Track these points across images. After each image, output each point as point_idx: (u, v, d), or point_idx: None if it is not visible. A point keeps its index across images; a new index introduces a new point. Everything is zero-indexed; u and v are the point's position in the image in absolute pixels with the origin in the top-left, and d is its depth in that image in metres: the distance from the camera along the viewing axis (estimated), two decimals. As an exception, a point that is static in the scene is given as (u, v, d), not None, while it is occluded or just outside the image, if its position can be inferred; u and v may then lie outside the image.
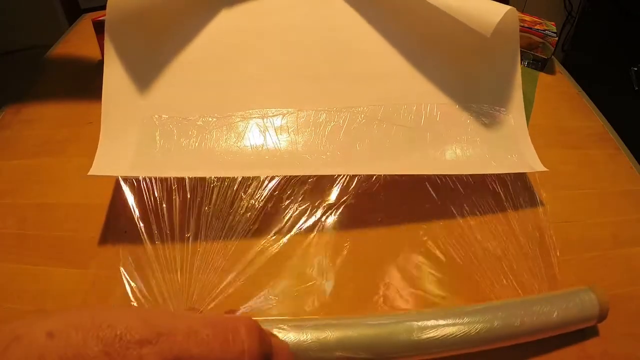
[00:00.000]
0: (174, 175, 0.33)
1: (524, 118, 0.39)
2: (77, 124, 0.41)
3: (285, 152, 0.36)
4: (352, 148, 0.37)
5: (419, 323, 0.26)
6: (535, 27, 0.53)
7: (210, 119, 0.37)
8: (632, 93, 1.10)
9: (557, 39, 0.53)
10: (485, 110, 0.40)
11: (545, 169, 0.36)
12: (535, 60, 0.54)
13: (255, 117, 0.38)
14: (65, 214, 0.34)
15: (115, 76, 0.36)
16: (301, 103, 0.39)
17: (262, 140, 0.37)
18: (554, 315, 0.27)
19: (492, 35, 0.35)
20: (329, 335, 0.24)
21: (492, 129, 0.39)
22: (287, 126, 0.38)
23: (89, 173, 0.31)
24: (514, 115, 0.40)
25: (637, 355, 0.29)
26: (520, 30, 0.53)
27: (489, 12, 0.36)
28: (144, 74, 0.38)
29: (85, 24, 0.58)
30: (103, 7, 0.35)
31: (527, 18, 0.55)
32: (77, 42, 0.55)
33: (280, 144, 0.37)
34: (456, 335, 0.26)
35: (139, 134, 0.35)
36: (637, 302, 0.32)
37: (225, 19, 0.42)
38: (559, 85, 0.53)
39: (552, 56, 0.54)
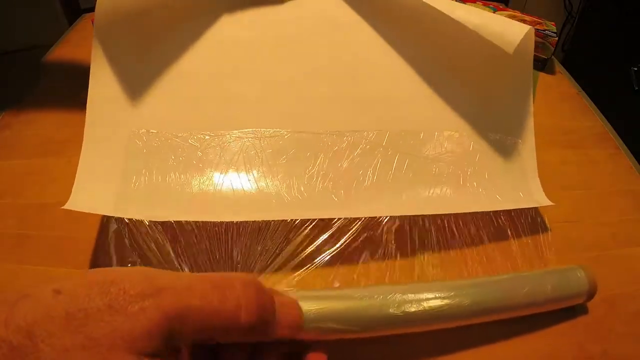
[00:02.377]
0: (158, 219, 0.31)
1: (534, 148, 0.37)
2: (77, 124, 0.41)
3: (282, 185, 0.34)
4: (354, 178, 0.35)
5: (407, 296, 0.26)
6: (535, 27, 0.53)
7: (202, 137, 0.35)
8: (632, 93, 1.10)
9: (557, 39, 0.53)
10: (495, 139, 0.38)
11: (551, 203, 0.35)
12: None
13: (250, 137, 0.35)
14: (65, 214, 0.34)
15: (102, 86, 0.34)
16: (301, 125, 0.36)
17: (258, 165, 0.34)
18: (543, 290, 0.28)
19: (508, 58, 0.34)
20: (314, 306, 0.24)
21: (501, 161, 0.37)
22: (286, 149, 0.35)
23: (64, 207, 0.29)
24: (524, 145, 0.37)
25: (637, 355, 0.29)
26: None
27: (511, 30, 0.34)
28: (134, 85, 0.35)
29: (85, 24, 0.58)
30: (103, 7, 0.35)
31: (527, 18, 0.55)
32: (77, 42, 0.55)
33: (277, 169, 0.34)
34: (444, 309, 0.26)
35: (124, 155, 0.33)
36: (637, 302, 0.32)
37: (224, 28, 0.39)
38: (559, 85, 0.53)
39: (552, 56, 0.54)
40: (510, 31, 0.34)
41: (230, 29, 0.40)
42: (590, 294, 0.30)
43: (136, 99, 0.35)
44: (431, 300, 0.26)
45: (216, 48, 0.39)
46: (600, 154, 0.44)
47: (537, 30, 0.53)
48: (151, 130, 0.34)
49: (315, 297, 0.24)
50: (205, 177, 0.33)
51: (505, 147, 0.38)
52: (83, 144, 0.32)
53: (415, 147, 0.37)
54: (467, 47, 0.37)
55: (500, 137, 0.38)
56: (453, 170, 0.36)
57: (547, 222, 0.36)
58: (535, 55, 0.54)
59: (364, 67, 0.40)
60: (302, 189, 0.34)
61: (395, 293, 0.26)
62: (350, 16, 0.41)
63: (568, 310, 0.30)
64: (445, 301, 0.26)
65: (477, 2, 0.57)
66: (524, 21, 0.54)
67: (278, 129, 0.36)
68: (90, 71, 0.33)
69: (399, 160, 0.36)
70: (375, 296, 0.25)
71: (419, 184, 0.35)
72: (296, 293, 0.24)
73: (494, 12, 0.55)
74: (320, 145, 0.36)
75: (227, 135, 0.35)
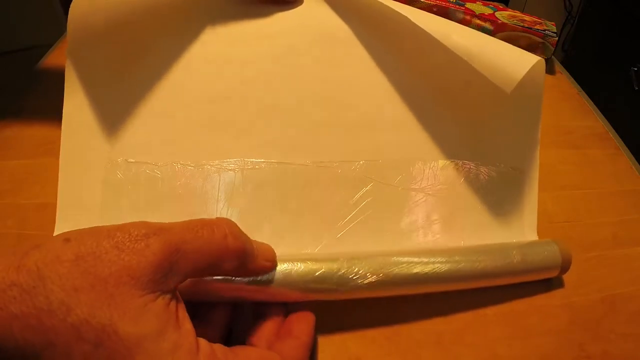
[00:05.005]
0: None
1: (536, 184, 0.35)
2: (77, 124, 0.41)
3: (264, 223, 0.32)
4: (341, 216, 0.32)
5: (385, 259, 0.27)
6: (535, 27, 0.53)
7: (182, 167, 0.32)
8: (632, 93, 1.10)
9: (557, 39, 0.53)
10: (495, 171, 0.35)
11: (536, 238, 0.33)
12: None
13: (233, 168, 0.33)
14: (65, 214, 0.34)
15: (77, 110, 0.32)
16: (288, 155, 0.34)
17: (240, 199, 0.32)
18: (516, 260, 0.29)
19: (515, 88, 0.30)
20: (295, 267, 0.25)
21: (499, 196, 0.34)
22: (270, 182, 0.33)
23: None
24: (526, 179, 0.35)
25: (637, 355, 0.29)
26: (520, 30, 0.53)
27: (513, 64, 0.30)
28: (112, 109, 0.33)
29: (85, 24, 0.58)
30: (103, 7, 0.35)
31: (527, 18, 0.55)
32: (77, 42, 0.55)
33: (259, 205, 0.32)
34: (426, 273, 0.27)
35: (101, 188, 0.32)
36: (637, 302, 0.32)
37: (208, 44, 0.36)
38: (559, 85, 0.53)
39: (552, 56, 0.54)
40: (511, 64, 0.30)
41: (215, 46, 0.37)
42: (565, 267, 0.31)
43: (114, 124, 0.33)
44: (414, 265, 0.27)
45: (199, 67, 0.36)
46: (600, 154, 0.44)
47: (537, 30, 0.53)
48: (129, 160, 0.32)
49: (297, 259, 0.26)
50: (183, 216, 0.32)
51: (505, 180, 0.35)
52: (59, 176, 0.31)
53: (408, 179, 0.34)
54: (468, 72, 0.33)
55: (502, 169, 0.35)
56: (445, 205, 0.34)
57: (546, 222, 0.36)
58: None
59: (357, 91, 0.37)
60: (286, 227, 0.32)
61: (368, 257, 0.27)
62: (344, 31, 0.38)
63: (568, 310, 0.30)
64: (428, 267, 0.27)
65: (477, 2, 0.57)
66: (523, 21, 0.54)
67: (263, 160, 0.33)
68: (65, 94, 0.32)
69: (390, 193, 0.34)
70: (357, 259, 0.27)
71: (404, 223, 0.33)
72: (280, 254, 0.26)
73: (493, 12, 0.55)
74: (308, 177, 0.33)
75: (207, 166, 0.33)
